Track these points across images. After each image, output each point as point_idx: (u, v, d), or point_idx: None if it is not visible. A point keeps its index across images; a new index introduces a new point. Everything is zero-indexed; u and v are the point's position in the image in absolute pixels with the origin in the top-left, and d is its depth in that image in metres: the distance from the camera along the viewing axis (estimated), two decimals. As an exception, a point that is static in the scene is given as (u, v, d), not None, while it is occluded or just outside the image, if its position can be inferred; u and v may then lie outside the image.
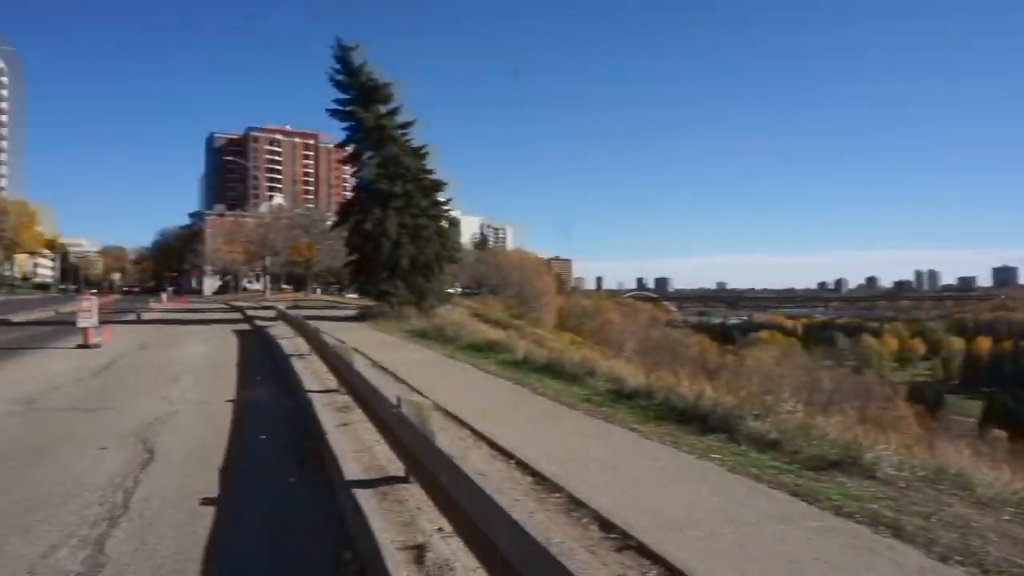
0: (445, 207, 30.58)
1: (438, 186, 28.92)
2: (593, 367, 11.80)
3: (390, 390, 7.38)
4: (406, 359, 14.56)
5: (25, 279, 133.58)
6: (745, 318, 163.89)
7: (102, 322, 20.89)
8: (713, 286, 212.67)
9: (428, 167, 29.72)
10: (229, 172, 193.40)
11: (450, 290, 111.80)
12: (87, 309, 18.20)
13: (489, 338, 17.35)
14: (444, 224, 30.44)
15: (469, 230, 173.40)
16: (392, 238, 27.18)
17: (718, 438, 7.30)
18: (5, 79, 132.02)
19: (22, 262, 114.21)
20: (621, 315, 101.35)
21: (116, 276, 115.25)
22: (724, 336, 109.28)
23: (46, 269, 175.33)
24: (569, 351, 17.08)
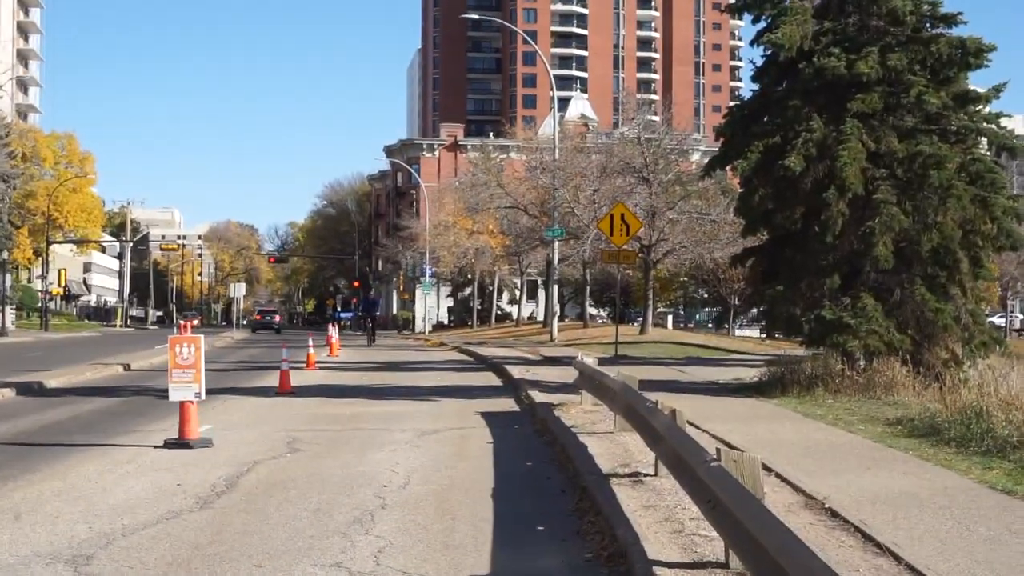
0: (984, 110, 29.67)
1: (969, 57, 28.20)
2: None
3: (857, 572, 7.26)
4: (885, 491, 14.41)
5: (68, 296, 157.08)
6: None
7: (212, 391, 23.51)
8: None
9: (943, 11, 29.04)
10: (472, 50, 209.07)
11: (996, 318, 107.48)
12: (186, 363, 20.55)
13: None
14: (984, 152, 29.48)
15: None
16: (852, 189, 27.05)
17: None
18: None
19: (63, 264, 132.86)
20: None
21: (239, 288, 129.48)
22: None
23: (105, 276, 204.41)
24: None
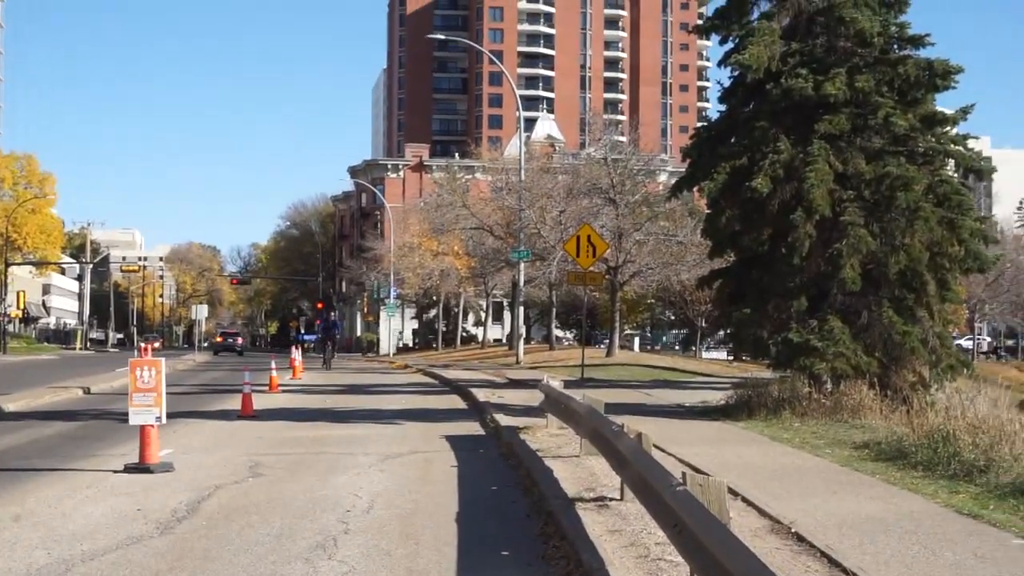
0: (952, 131, 29.83)
1: (936, 78, 28.38)
2: None
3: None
4: (851, 515, 14.47)
5: (27, 319, 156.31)
6: None
7: (173, 414, 23.40)
8: None
9: (910, 33, 29.26)
10: (438, 70, 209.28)
11: (963, 341, 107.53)
12: (147, 387, 20.48)
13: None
14: (951, 174, 29.62)
15: (1012, 188, 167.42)
16: (820, 211, 27.17)
17: None
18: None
19: (21, 286, 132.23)
20: None
21: (200, 310, 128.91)
22: None
23: (65, 298, 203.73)
24: None
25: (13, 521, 15.38)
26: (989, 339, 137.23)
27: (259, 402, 34.78)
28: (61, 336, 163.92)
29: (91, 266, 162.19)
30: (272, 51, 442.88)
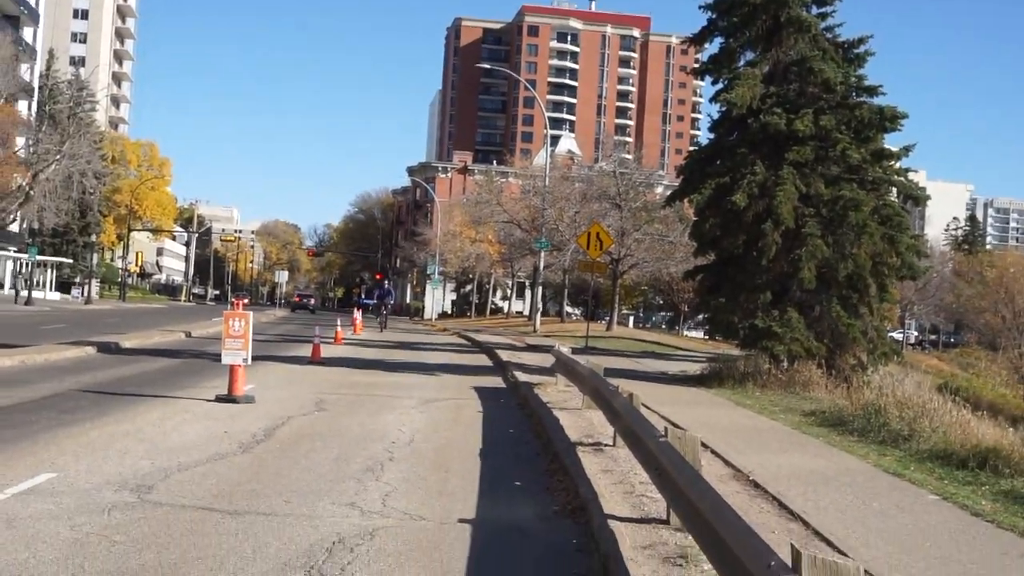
0: (896, 165, 29.74)
1: (886, 121, 28.26)
2: None
3: (773, 534, 7.23)
4: (798, 469, 14.45)
5: (143, 275, 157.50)
6: None
7: (256, 357, 23.50)
8: None
9: (867, 84, 29.15)
10: (483, 92, 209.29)
11: (895, 334, 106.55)
12: (238, 334, 20.59)
13: (981, 441, 16.37)
14: (893, 199, 29.58)
15: (941, 213, 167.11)
16: (785, 223, 27.09)
17: None
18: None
19: (140, 248, 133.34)
20: None
21: (282, 274, 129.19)
22: None
23: (174, 259, 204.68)
24: None
25: (124, 436, 15.49)
26: (916, 333, 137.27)
27: (326, 351, 34.83)
28: (169, 290, 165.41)
29: (196, 235, 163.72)
30: (353, 68, 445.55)
